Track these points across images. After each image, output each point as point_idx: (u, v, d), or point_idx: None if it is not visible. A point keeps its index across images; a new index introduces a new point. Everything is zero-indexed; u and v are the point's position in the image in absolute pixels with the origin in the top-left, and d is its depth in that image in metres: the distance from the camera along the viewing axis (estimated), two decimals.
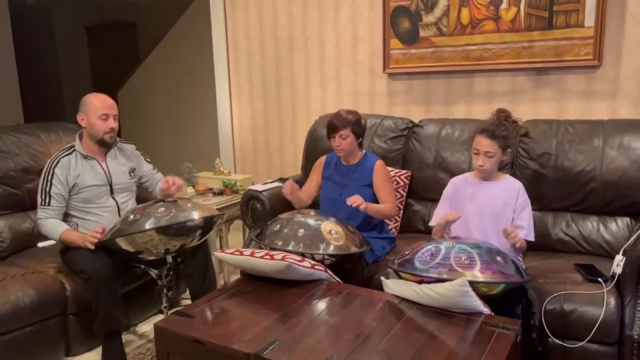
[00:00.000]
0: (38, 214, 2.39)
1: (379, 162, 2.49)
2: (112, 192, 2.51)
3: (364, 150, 2.56)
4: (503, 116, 2.24)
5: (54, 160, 2.42)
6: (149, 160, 2.72)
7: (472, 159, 2.20)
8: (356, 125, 2.43)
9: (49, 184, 2.38)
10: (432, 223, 2.32)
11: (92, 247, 2.25)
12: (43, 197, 2.37)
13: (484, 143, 2.12)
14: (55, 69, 7.56)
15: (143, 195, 2.73)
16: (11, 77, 5.70)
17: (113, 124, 2.43)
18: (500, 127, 2.14)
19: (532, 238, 2.17)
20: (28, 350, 2.27)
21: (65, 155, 2.44)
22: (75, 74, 7.60)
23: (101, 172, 2.48)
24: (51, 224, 2.36)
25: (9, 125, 3.11)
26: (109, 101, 2.45)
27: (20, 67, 5.82)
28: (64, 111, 7.56)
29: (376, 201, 2.46)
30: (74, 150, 2.47)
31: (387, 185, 2.48)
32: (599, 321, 1.90)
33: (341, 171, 2.54)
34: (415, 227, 2.80)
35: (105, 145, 2.48)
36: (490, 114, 2.32)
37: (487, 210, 2.17)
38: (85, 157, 2.46)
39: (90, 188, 2.44)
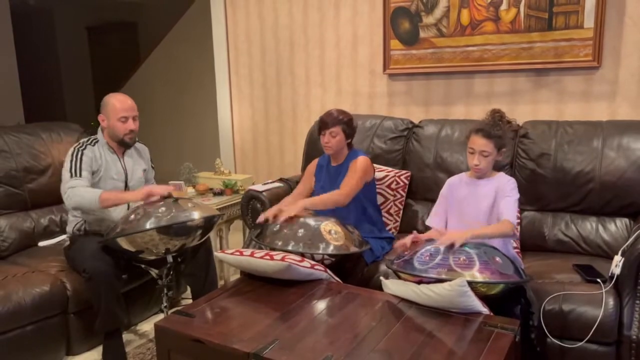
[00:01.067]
0: (69, 183, 2.31)
1: (360, 157, 2.45)
2: (126, 188, 2.53)
3: (352, 149, 2.55)
4: (498, 116, 2.25)
5: (81, 146, 2.44)
6: (153, 166, 2.77)
7: (467, 158, 2.19)
8: (347, 125, 2.45)
9: (79, 161, 2.38)
10: (428, 222, 2.33)
11: (159, 195, 2.28)
12: (74, 170, 2.35)
13: (479, 142, 2.12)
14: (56, 69, 7.58)
15: None
16: (12, 77, 5.71)
17: (132, 125, 2.47)
18: (496, 127, 2.14)
19: (510, 218, 2.05)
20: (29, 349, 2.28)
21: (91, 143, 2.47)
22: (76, 74, 7.62)
23: (121, 168, 2.52)
24: (87, 189, 2.30)
25: (9, 125, 3.13)
26: (129, 103, 2.47)
27: (22, 67, 5.83)
28: (64, 111, 7.58)
29: (363, 198, 2.45)
30: (97, 142, 2.49)
31: (351, 174, 2.39)
32: (598, 321, 1.90)
33: (330, 173, 2.56)
34: (415, 227, 2.81)
35: (125, 146, 2.53)
36: (485, 114, 2.33)
37: (481, 208, 2.17)
38: (109, 148, 2.50)
39: (109, 181, 2.46)
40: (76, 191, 2.29)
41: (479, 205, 2.17)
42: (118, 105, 2.44)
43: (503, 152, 2.17)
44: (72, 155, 2.41)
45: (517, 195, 2.15)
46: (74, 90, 7.67)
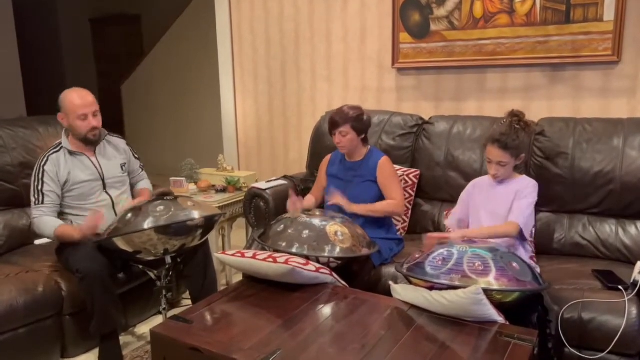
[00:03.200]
0: (32, 214, 2.31)
1: (384, 159, 2.41)
2: (105, 186, 2.43)
3: (369, 147, 2.48)
4: (515, 120, 2.13)
5: (43, 159, 2.35)
6: (137, 156, 2.65)
7: (487, 165, 2.18)
8: (356, 121, 2.35)
9: (40, 182, 2.30)
10: (447, 223, 2.27)
11: (93, 234, 2.19)
12: (36, 196, 2.30)
13: (495, 153, 2.09)
14: (59, 62, 7.51)
15: None
16: (14, 71, 5.64)
17: (94, 122, 2.34)
18: (512, 136, 2.08)
19: (517, 220, 2.03)
20: (22, 352, 2.20)
21: (54, 152, 2.36)
22: (79, 67, 7.55)
23: (92, 166, 2.41)
24: (45, 220, 2.27)
25: (11, 118, 3.05)
26: (87, 98, 2.33)
27: (24, 60, 5.75)
28: None
29: (382, 198, 2.38)
30: (62, 147, 2.39)
31: (393, 181, 2.40)
32: (620, 332, 1.80)
33: (345, 168, 2.47)
34: (424, 228, 2.70)
35: (90, 143, 2.41)
36: (503, 115, 2.23)
37: (500, 211, 2.12)
38: (73, 153, 2.38)
39: (83, 184, 2.36)
40: (37, 221, 2.28)
41: (498, 208, 2.11)
42: (76, 102, 2.31)
43: (522, 157, 2.13)
44: (35, 174, 2.33)
45: (534, 199, 2.10)
46: (76, 83, 7.57)
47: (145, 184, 2.67)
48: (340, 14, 3.33)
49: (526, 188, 2.12)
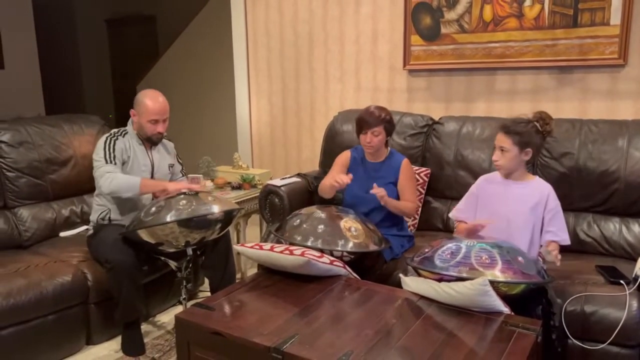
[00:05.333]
0: (106, 168, 2.37)
1: (406, 161, 2.49)
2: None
3: (389, 148, 2.55)
4: (540, 122, 2.13)
5: (113, 136, 2.48)
6: (180, 161, 2.78)
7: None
8: (389, 123, 2.43)
9: (111, 150, 2.42)
10: (451, 215, 2.32)
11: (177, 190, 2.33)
12: (108, 157, 2.40)
13: (498, 138, 2.12)
14: (76, 61, 7.65)
15: None
16: (34, 70, 5.78)
17: (161, 128, 2.49)
18: (520, 124, 2.09)
19: (568, 242, 2.10)
20: (50, 338, 2.31)
21: (120, 136, 2.51)
22: (95, 67, 7.68)
23: (148, 159, 2.55)
24: (121, 175, 2.37)
25: (32, 117, 3.17)
26: (162, 105, 2.48)
27: (42, 60, 5.90)
28: (84, 103, 7.65)
29: (398, 199, 2.46)
30: (127, 133, 2.53)
31: (412, 184, 2.50)
32: (621, 324, 1.87)
33: (367, 168, 2.52)
34: (434, 225, 2.79)
35: (151, 142, 2.55)
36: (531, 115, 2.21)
37: (512, 211, 2.12)
38: (137, 140, 2.53)
39: (137, 172, 2.48)
40: (115, 175, 2.35)
41: (511, 208, 2.13)
42: (150, 107, 2.45)
43: (529, 153, 2.10)
44: (105, 143, 2.45)
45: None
46: (93, 82, 7.74)
47: None
48: (353, 16, 3.42)
49: (554, 199, 2.12)
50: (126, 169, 2.47)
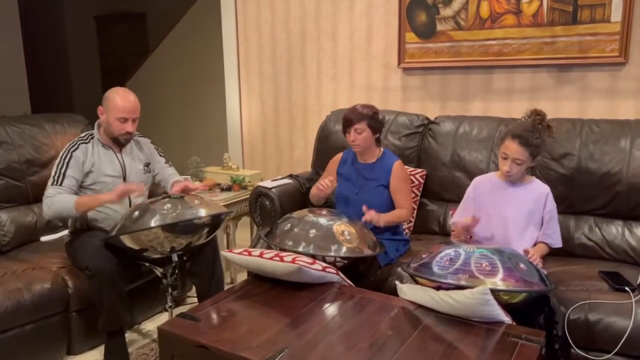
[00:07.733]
0: (47, 192, 2.26)
1: (398, 163, 2.40)
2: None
3: (382, 149, 2.46)
4: (538, 119, 2.07)
5: (74, 145, 2.35)
6: (162, 154, 2.64)
7: (499, 162, 2.11)
8: (372, 119, 2.34)
9: (65, 165, 2.30)
10: (451, 222, 2.26)
11: (117, 199, 2.21)
12: (56, 177, 2.28)
13: (513, 149, 2.01)
14: (64, 59, 7.51)
15: (154, 190, 2.66)
16: (19, 68, 5.64)
17: (130, 128, 2.35)
18: (535, 134, 2.01)
19: (560, 244, 2.12)
20: (29, 348, 2.20)
21: (83, 142, 2.38)
22: (84, 65, 7.55)
23: (117, 163, 2.42)
24: (62, 196, 2.25)
25: (15, 115, 3.05)
26: (132, 104, 2.35)
27: (29, 57, 5.76)
28: (72, 102, 7.52)
29: (391, 202, 2.37)
30: (92, 138, 2.40)
31: (405, 188, 2.40)
32: (627, 333, 1.79)
33: (358, 169, 2.45)
34: (430, 228, 2.71)
35: (118, 144, 2.42)
36: (524, 114, 2.16)
37: (511, 213, 2.08)
38: (103, 145, 2.40)
39: (106, 178, 2.36)
40: (53, 199, 2.24)
41: (510, 210, 2.08)
42: (120, 104, 2.32)
43: (537, 160, 2.07)
44: (61, 157, 2.33)
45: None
46: (81, 80, 7.61)
47: (178, 177, 2.62)
48: (347, 13, 3.33)
49: (551, 202, 2.09)
50: (90, 179, 2.34)
